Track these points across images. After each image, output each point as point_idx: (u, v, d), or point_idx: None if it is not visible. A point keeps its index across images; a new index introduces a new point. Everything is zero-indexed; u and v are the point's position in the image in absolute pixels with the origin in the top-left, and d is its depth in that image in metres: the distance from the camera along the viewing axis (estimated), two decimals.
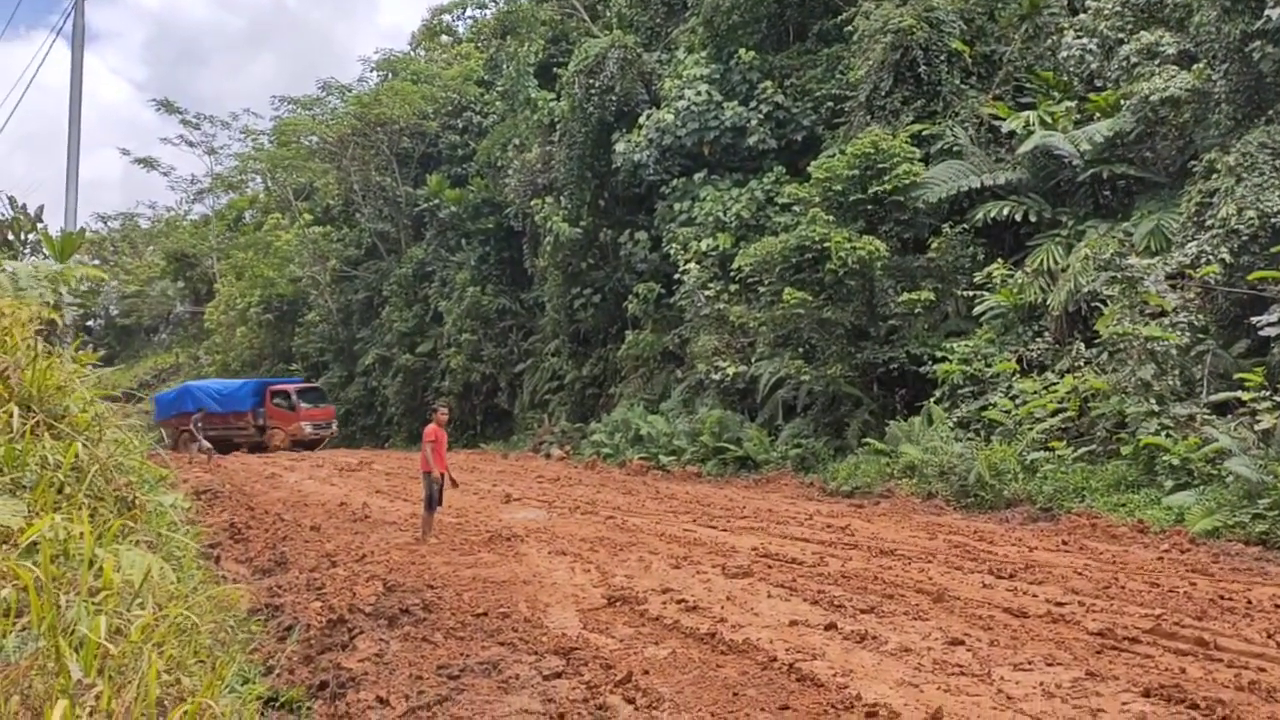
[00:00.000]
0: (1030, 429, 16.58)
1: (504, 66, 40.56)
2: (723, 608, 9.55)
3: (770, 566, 11.63)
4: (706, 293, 25.52)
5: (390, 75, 47.16)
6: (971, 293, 20.41)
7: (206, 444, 34.63)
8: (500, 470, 26.28)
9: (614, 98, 30.49)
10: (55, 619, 3.83)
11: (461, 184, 42.40)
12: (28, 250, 12.75)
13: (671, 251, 27.56)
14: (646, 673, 7.28)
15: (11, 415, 5.88)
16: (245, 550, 13.47)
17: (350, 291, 48.94)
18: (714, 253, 26.16)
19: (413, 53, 51.72)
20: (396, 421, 43.35)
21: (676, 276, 27.07)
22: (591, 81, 30.52)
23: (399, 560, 11.82)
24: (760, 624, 8.90)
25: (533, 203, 34.13)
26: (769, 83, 27.76)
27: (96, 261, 67.05)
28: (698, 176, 28.18)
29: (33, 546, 4.14)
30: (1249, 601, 9.09)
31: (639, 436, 26.95)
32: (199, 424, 38.12)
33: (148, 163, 69.15)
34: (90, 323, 61.24)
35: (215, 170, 68.80)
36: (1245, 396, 13.49)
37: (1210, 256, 15.41)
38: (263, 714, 6.31)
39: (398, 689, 6.85)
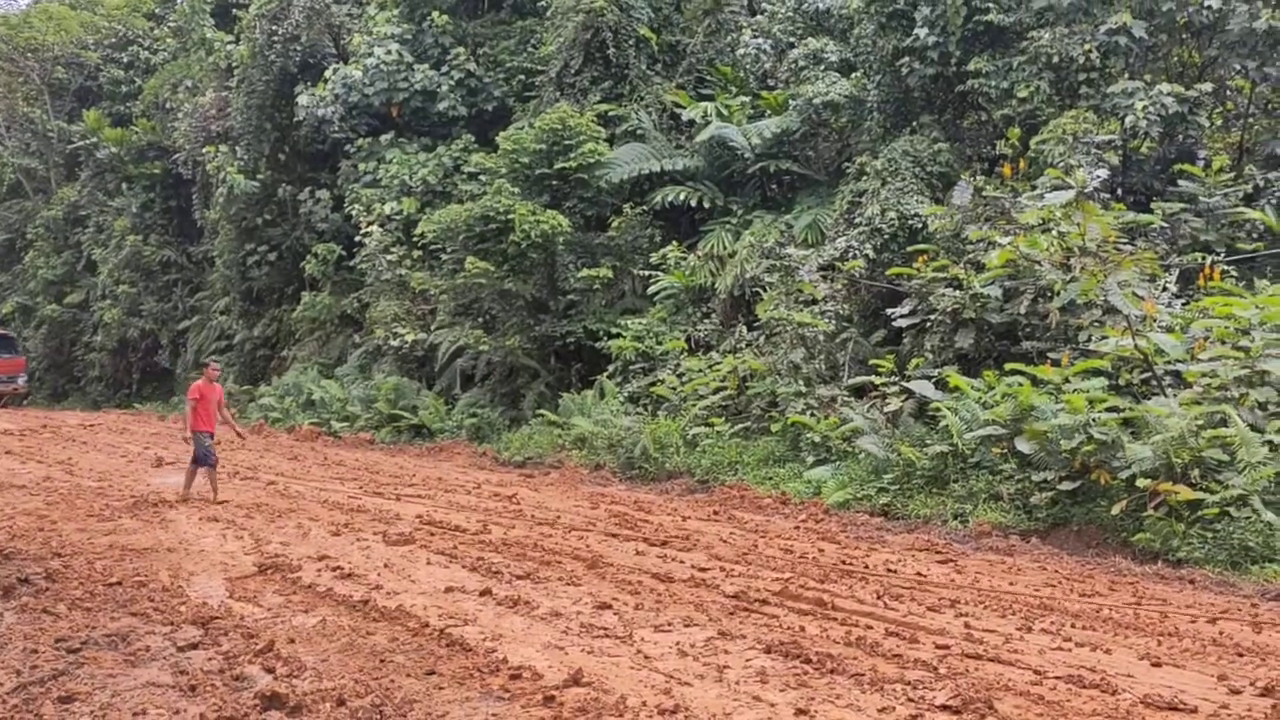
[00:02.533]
0: (694, 405, 17.43)
1: (177, 1, 37.82)
2: (379, 575, 9.46)
3: (433, 534, 11.63)
4: (389, 257, 25.07)
5: None
6: (647, 273, 21.18)
7: None
8: (155, 433, 24.67)
9: (299, 48, 29.20)
10: None
11: (125, 123, 39.19)
12: None
13: (354, 213, 26.81)
14: (292, 641, 7.10)
15: None
16: None
17: None
18: (398, 217, 25.69)
19: None
20: (39, 378, 39.64)
21: (358, 239, 26.41)
22: (275, 28, 29.05)
23: (24, 527, 10.87)
24: (416, 591, 8.88)
25: (205, 150, 32.05)
26: (462, 49, 27.51)
27: None
28: (384, 138, 27.55)
29: None
30: (866, 566, 10.02)
31: (311, 401, 26.12)
32: None
33: None
34: None
35: None
36: (878, 381, 14.80)
37: (857, 251, 16.76)
38: None
39: (8, 664, 6.31)
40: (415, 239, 24.15)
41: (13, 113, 42.13)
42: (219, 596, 8.44)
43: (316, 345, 29.77)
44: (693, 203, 21.64)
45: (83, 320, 39.18)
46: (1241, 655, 7.19)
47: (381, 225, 25.66)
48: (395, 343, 24.45)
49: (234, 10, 33.80)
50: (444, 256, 23.25)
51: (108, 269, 37.38)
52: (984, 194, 15.23)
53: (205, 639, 6.95)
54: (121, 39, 41.00)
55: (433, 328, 24.40)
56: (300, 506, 13.47)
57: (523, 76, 27.10)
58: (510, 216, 21.13)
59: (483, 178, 23.84)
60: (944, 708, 6.20)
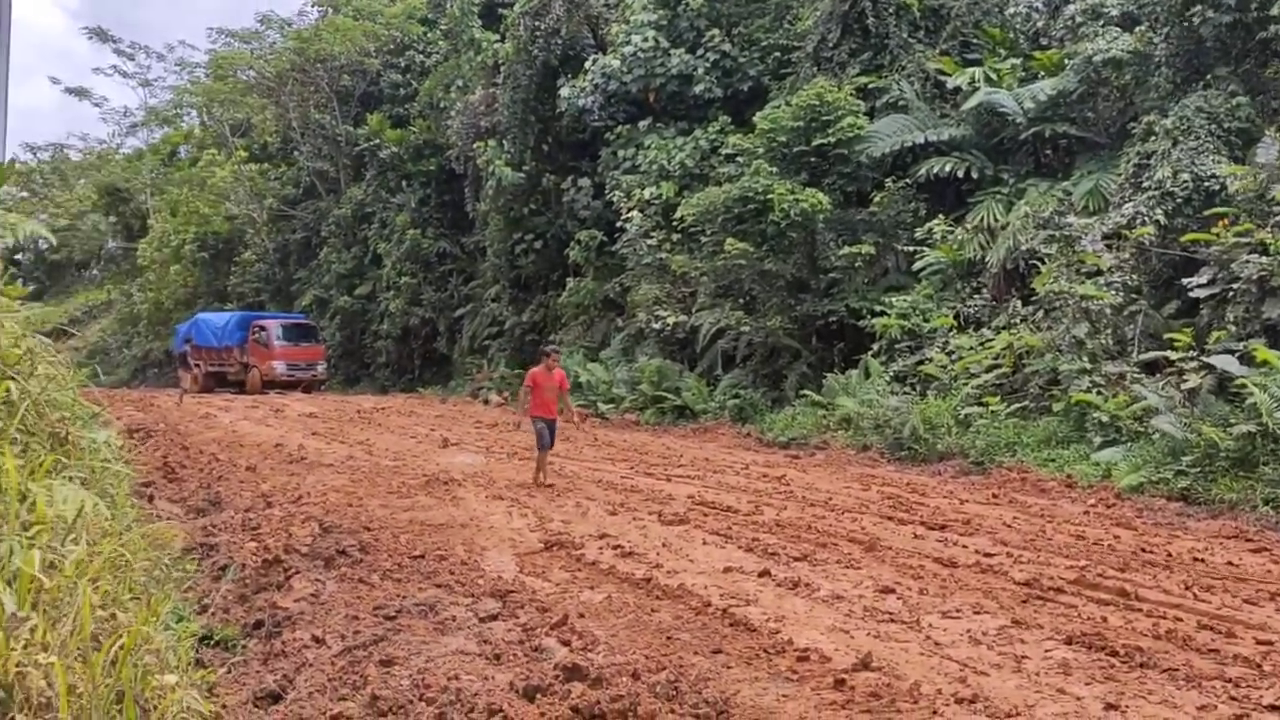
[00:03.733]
0: (965, 384, 16.83)
1: (448, 5, 39.78)
2: (658, 554, 9.64)
3: (706, 514, 11.75)
4: (649, 241, 25.47)
5: (331, 10, 46.01)
6: (912, 248, 20.61)
7: (188, 382, 33.68)
8: (438, 415, 26.18)
9: (560, 41, 30.11)
10: None
11: (403, 124, 41.69)
12: None
13: (615, 199, 27.43)
14: (582, 616, 7.33)
15: None
16: (179, 490, 13.30)
17: (288, 231, 48.11)
18: (657, 201, 26.06)
19: None
20: (334, 365, 42.82)
21: (619, 224, 26.98)
22: (537, 24, 30.08)
23: (335, 502, 11.76)
24: (695, 570, 9.00)
25: (475, 145, 33.62)
26: (716, 30, 27.56)
27: (25, 194, 65.19)
28: (643, 124, 27.98)
29: None
30: (1169, 554, 9.37)
31: (578, 384, 26.92)
32: (188, 358, 37.18)
33: (80, 93, 67.21)
34: (17, 256, 59.49)
35: (149, 103, 67.04)
36: (1173, 356, 13.81)
37: (1145, 218, 15.68)
38: (197, 651, 6.27)
39: (333, 629, 6.83)
40: (674, 222, 24.44)
41: (306, 120, 45.60)
42: (511, 571, 8.84)
43: (581, 329, 30.70)
44: (960, 173, 20.84)
45: (370, 310, 42.00)
46: None
47: (641, 210, 26.11)
48: (657, 325, 24.87)
49: (500, 10, 35.21)
50: (703, 239, 23.43)
51: (391, 262, 39.91)
52: None
53: (503, 611, 7.28)
54: (399, 45, 43.58)
55: (693, 310, 24.65)
56: (576, 486, 13.93)
57: (778, 54, 26.87)
58: (768, 196, 21.04)
59: (740, 159, 23.83)
60: (1273, 708, 5.72)
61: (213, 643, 6.84)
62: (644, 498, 12.92)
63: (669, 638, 7.01)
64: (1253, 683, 6.07)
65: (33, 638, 3.59)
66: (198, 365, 39.73)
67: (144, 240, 55.22)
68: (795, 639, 6.90)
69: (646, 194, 26.32)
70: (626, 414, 23.95)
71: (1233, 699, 5.84)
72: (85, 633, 3.93)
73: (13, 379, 6.21)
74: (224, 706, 5.34)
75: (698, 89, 27.24)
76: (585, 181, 30.15)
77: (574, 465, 16.07)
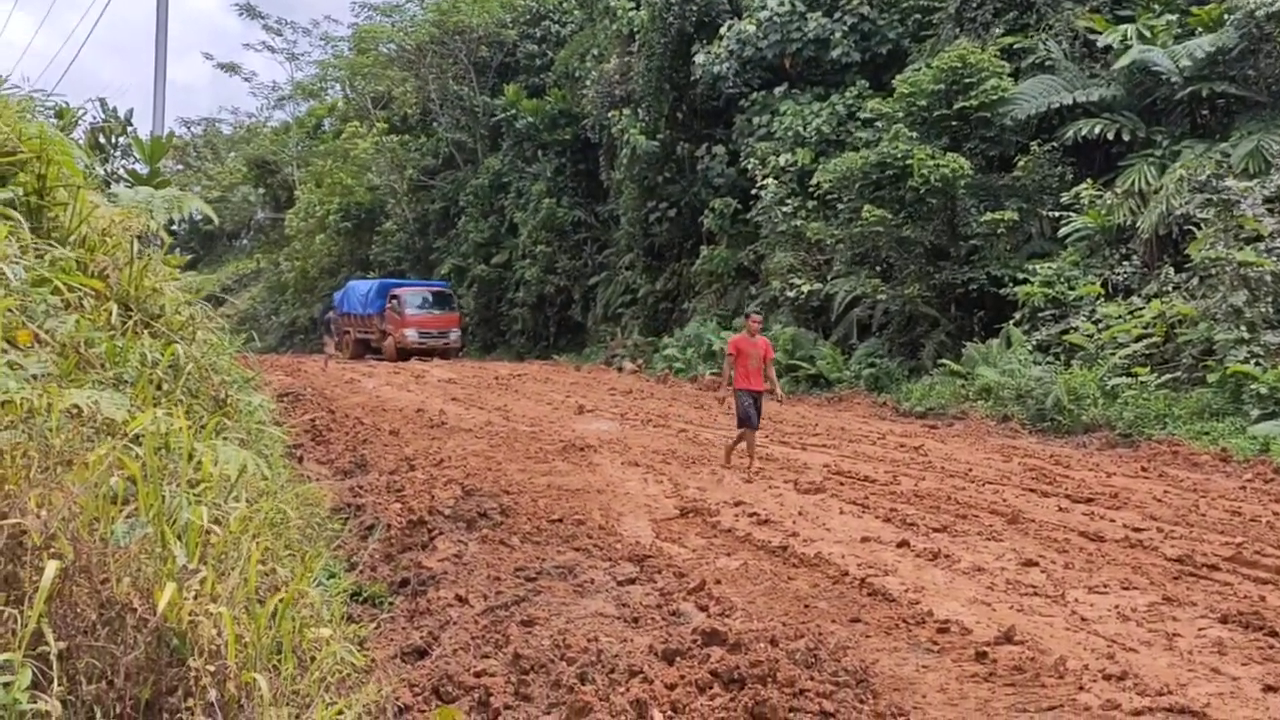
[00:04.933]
0: (1113, 354, 16.27)
1: None
2: (794, 522, 9.62)
3: (842, 484, 11.66)
4: (784, 209, 25.24)
5: None
6: (1057, 213, 19.93)
7: (331, 348, 34.86)
8: (573, 382, 26.54)
9: (694, 7, 29.93)
10: (160, 508, 3.98)
11: (538, 94, 42.14)
12: (118, 153, 13.00)
13: (749, 166, 27.24)
14: (719, 582, 7.38)
15: (111, 313, 6.05)
16: (327, 452, 13.83)
17: (427, 201, 49.18)
18: (792, 168, 25.79)
19: None
20: (471, 332, 43.72)
21: (754, 192, 26.79)
22: None
23: (475, 466, 12.05)
24: (832, 539, 8.95)
25: (610, 114, 33.80)
26: None
27: (180, 167, 68.16)
28: (778, 90, 27.68)
29: (136, 439, 4.29)
30: None
31: (711, 352, 26.98)
32: (333, 325, 38.45)
33: (231, 68, 69.98)
34: (174, 227, 62.38)
35: (296, 77, 69.33)
36: None
37: None
38: (348, 606, 6.53)
39: (476, 589, 7.03)
40: (810, 189, 24.16)
41: (444, 91, 46.48)
42: (648, 536, 8.94)
43: (714, 297, 30.68)
44: (1109, 135, 20.01)
45: (507, 279, 42.71)
46: None
47: (776, 178, 25.87)
48: (791, 293, 24.68)
49: None
50: (839, 206, 23.11)
51: (527, 230, 40.48)
52: None
53: (641, 575, 7.37)
54: (535, 15, 44.00)
55: (829, 277, 24.38)
56: (711, 454, 13.97)
57: (919, 15, 26.20)
58: (908, 162, 20.60)
59: (878, 124, 23.38)
60: None
61: (361, 599, 7.12)
62: (779, 466, 12.90)
63: (806, 605, 7.01)
64: None
65: (202, 589, 3.80)
66: (347, 332, 40.99)
67: (290, 211, 57.24)
68: (935, 610, 6.81)
69: (782, 161, 26.07)
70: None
71: None
72: (251, 586, 4.14)
73: (178, 343, 6.54)
74: (374, 660, 5.56)
75: (835, 53, 26.78)
76: (720, 149, 30.02)
77: (709, 433, 16.11)
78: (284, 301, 59.18)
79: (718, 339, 26.98)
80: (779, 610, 6.85)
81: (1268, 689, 5.48)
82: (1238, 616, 6.59)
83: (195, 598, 3.78)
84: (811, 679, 5.28)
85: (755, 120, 27.77)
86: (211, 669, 3.66)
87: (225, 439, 6.42)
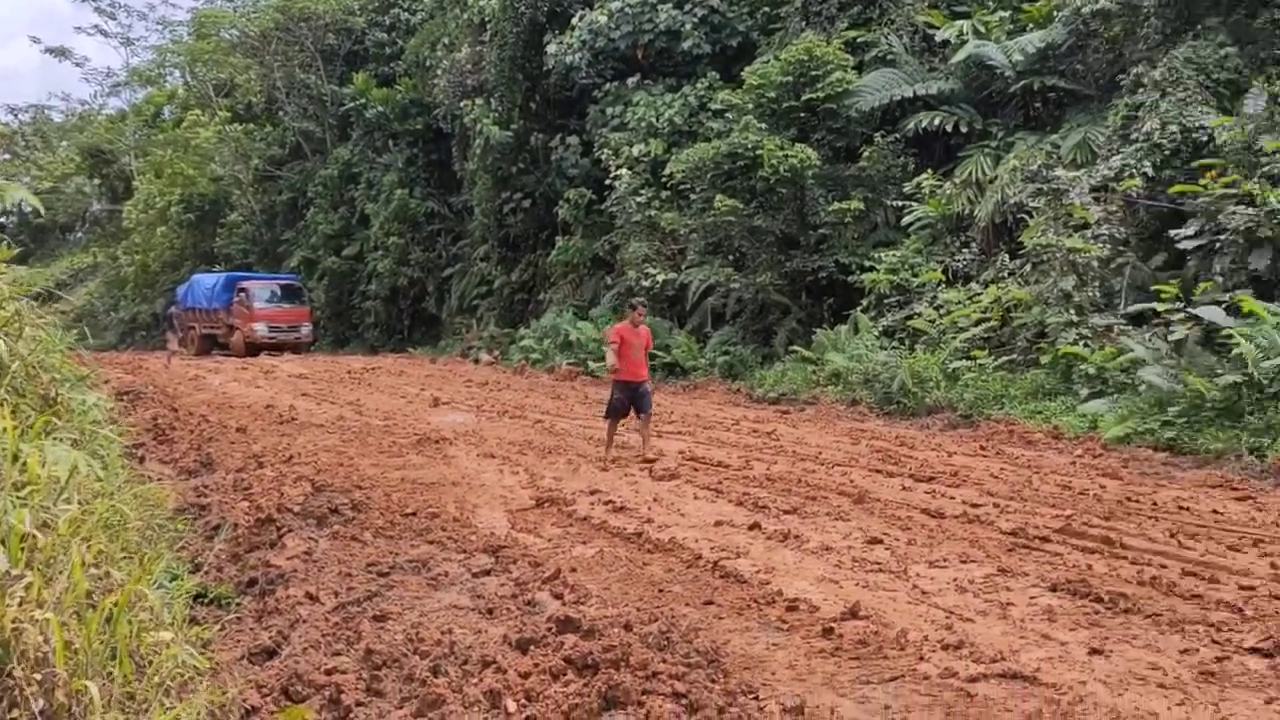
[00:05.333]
0: (954, 338, 16.91)
1: None
2: (649, 509, 9.71)
3: (697, 469, 11.83)
4: (638, 199, 25.40)
5: None
6: (901, 203, 20.60)
7: (175, 344, 33.75)
8: (428, 374, 26.19)
9: None
10: None
11: (389, 83, 41.33)
12: None
13: (603, 157, 27.29)
14: (574, 570, 7.40)
15: None
16: (170, 451, 13.32)
17: (274, 192, 47.78)
18: (646, 159, 25.95)
19: None
20: (322, 325, 42.70)
21: (608, 182, 26.86)
22: None
23: (326, 462, 11.79)
24: (686, 524, 9.07)
25: (462, 104, 33.37)
26: None
27: (7, 156, 64.55)
28: (630, 81, 27.80)
29: None
30: (1154, 504, 9.47)
31: (568, 342, 27.00)
32: (176, 321, 37.09)
33: (61, 53, 66.31)
34: (2, 220, 58.99)
35: (132, 63, 66.33)
36: (1160, 308, 13.86)
37: (1133, 170, 15.68)
38: (192, 609, 6.32)
39: (327, 585, 6.89)
40: (663, 180, 24.38)
41: (290, 80, 45.17)
42: (503, 527, 8.90)
43: (571, 288, 30.70)
44: (948, 127, 20.78)
45: (359, 271, 41.83)
46: None
47: (630, 168, 26.01)
48: (646, 283, 24.85)
49: None
50: (692, 196, 23.38)
51: (378, 222, 39.70)
52: None
53: (496, 566, 7.34)
54: (384, 2, 43.10)
55: (683, 267, 24.65)
56: (567, 444, 13.99)
57: (767, 9, 26.66)
58: (758, 152, 20.96)
59: (729, 115, 23.73)
60: (1254, 650, 5.81)
61: (207, 601, 6.89)
62: (635, 454, 12.99)
63: (661, 590, 7.09)
64: (1234, 626, 6.16)
65: (28, 595, 3.63)
66: (192, 327, 39.63)
67: (129, 203, 54.79)
68: (785, 589, 6.98)
69: (635, 151, 26.20)
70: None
71: (1214, 642, 5.93)
72: (80, 590, 3.97)
73: (1, 340, 6.21)
74: (218, 663, 5.40)
75: (686, 45, 27.03)
76: (574, 140, 29.99)
77: (564, 423, 16.14)
78: (123, 297, 56.73)
79: (574, 329, 27.02)
80: (634, 596, 6.90)
81: (1093, 652, 5.78)
82: (1066, 585, 6.94)
83: (20, 604, 3.61)
84: (664, 661, 5.34)
85: (609, 111, 27.84)
86: (38, 677, 3.51)
87: (55, 439, 6.13)
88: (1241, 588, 6.89)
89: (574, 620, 5.78)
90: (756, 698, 5.20)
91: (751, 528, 8.81)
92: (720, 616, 6.52)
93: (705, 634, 5.95)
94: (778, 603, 6.72)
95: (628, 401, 12.80)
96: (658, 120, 26.36)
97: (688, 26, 27.02)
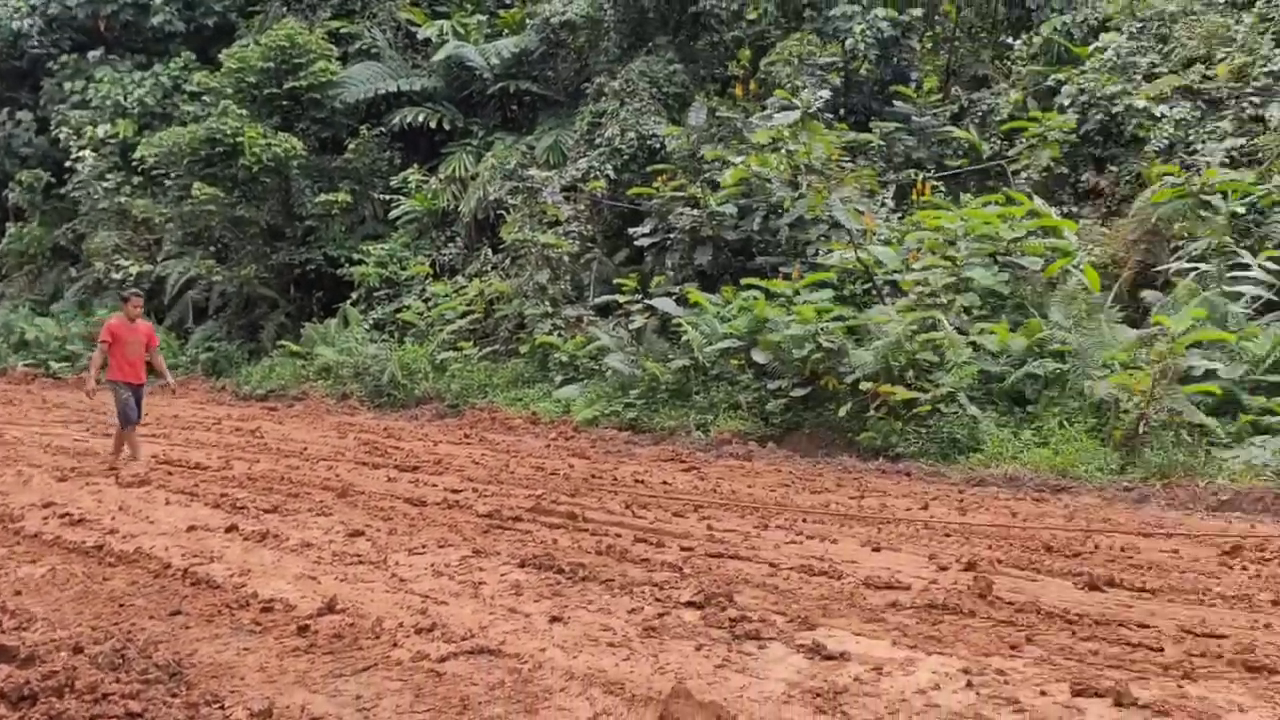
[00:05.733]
0: (441, 330, 17.34)
1: None
2: (114, 519, 9.01)
3: (171, 473, 11.15)
4: (105, 184, 23.39)
5: None
6: (388, 196, 20.74)
7: None
8: None
9: None
10: None
11: None
12: None
13: (62, 136, 24.74)
14: (18, 594, 6.70)
15: None
16: None
17: None
18: (114, 140, 23.93)
19: None
20: None
21: (69, 164, 24.41)
22: None
23: None
24: (156, 532, 8.53)
25: None
26: None
27: None
28: (93, 55, 25.45)
29: None
30: (615, 479, 10.38)
31: (24, 342, 24.21)
32: None
33: None
34: None
35: None
36: (623, 300, 15.18)
37: (598, 172, 17.00)
38: None
39: None
40: (134, 164, 22.62)
41: None
42: None
43: (27, 281, 27.59)
44: (432, 124, 21.24)
45: None
46: (949, 536, 7.97)
47: (95, 149, 23.86)
48: (118, 275, 22.94)
49: None
50: (168, 182, 21.93)
51: None
52: (718, 114, 15.76)
53: None
54: None
55: (159, 258, 23.04)
56: (20, 453, 12.57)
57: None
58: (239, 139, 20.09)
59: (206, 98, 22.48)
60: (689, 604, 6.56)
61: None
62: (101, 460, 11.97)
63: (121, 605, 6.62)
64: (674, 585, 6.92)
65: None
66: None
67: None
68: (260, 591, 6.80)
69: (100, 132, 24.06)
70: (84, 373, 21.79)
71: (657, 600, 6.62)
72: None
73: None
74: None
75: (156, 20, 25.21)
76: (25, 115, 26.90)
77: (17, 430, 14.49)
78: None
79: (32, 327, 24.28)
80: (90, 614, 6.39)
81: (553, 620, 6.24)
82: (533, 560, 7.41)
83: None
84: (118, 681, 5.02)
85: (67, 86, 25.28)
86: None
87: None
88: (683, 549, 7.75)
89: (9, 648, 5.25)
90: (222, 706, 5.04)
91: (228, 530, 8.48)
92: (188, 626, 6.23)
93: (168, 646, 5.66)
94: (252, 605, 6.54)
95: (135, 402, 11.84)
96: (126, 99, 24.38)
97: (158, 1, 25.20)
